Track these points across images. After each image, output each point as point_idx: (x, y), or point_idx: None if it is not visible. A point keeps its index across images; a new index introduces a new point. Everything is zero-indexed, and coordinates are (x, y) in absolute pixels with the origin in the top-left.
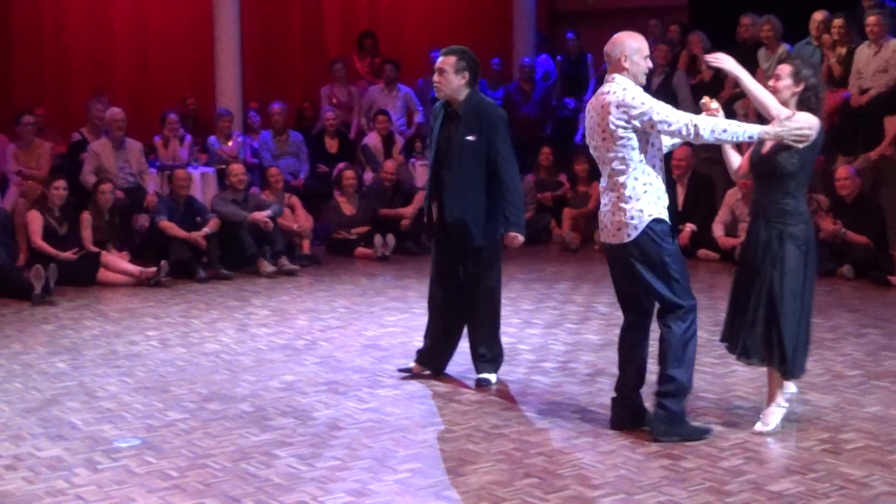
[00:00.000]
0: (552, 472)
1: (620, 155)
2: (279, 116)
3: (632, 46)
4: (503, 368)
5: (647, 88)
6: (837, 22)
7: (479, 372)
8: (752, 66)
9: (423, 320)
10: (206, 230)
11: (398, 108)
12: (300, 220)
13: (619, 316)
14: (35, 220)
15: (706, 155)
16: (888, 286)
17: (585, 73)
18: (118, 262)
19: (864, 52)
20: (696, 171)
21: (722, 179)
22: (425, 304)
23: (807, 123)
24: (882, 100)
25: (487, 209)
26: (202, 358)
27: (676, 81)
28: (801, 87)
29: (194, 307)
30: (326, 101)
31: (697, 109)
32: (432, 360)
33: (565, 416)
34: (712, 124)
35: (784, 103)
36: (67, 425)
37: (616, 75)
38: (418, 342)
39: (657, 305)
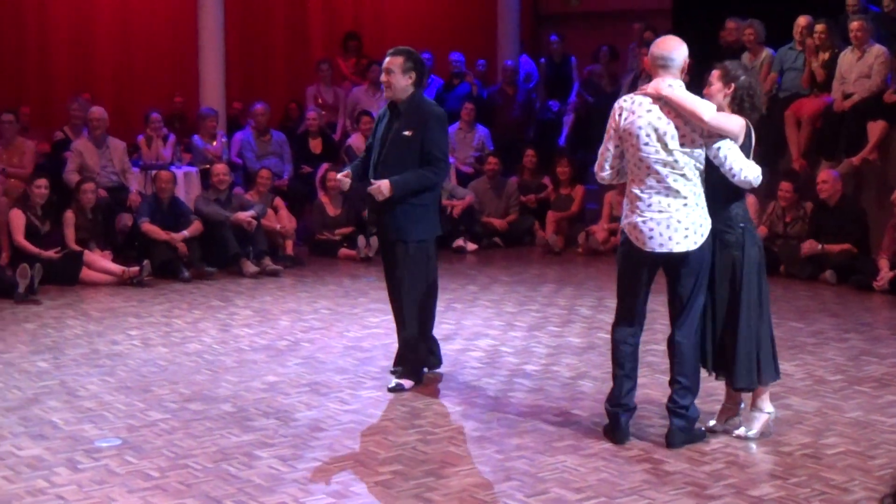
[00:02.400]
0: (533, 475)
1: (693, 161)
2: (262, 117)
3: (687, 53)
4: (484, 370)
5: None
6: (820, 27)
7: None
8: None
9: None
10: (185, 234)
11: (382, 108)
12: (283, 220)
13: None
14: (17, 218)
15: None
16: (870, 291)
17: (569, 75)
18: (101, 261)
19: (847, 57)
20: None
21: None
22: None
23: (737, 126)
24: (865, 105)
25: (422, 204)
26: (184, 358)
27: None
28: (731, 88)
29: (176, 307)
30: (312, 101)
31: None
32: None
33: (547, 419)
34: (756, 172)
35: (719, 107)
36: (48, 424)
37: (679, 81)
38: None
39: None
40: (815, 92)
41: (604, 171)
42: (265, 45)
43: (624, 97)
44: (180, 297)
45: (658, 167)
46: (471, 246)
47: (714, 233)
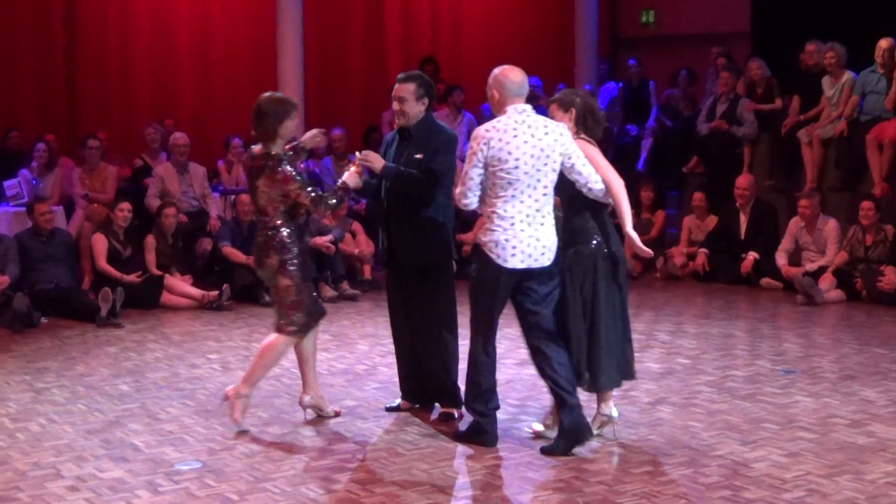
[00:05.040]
0: (612, 502)
1: (553, 179)
2: (340, 142)
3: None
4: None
5: (710, 115)
6: None
7: (443, 406)
8: (815, 92)
9: None
10: None
11: (462, 133)
12: (361, 245)
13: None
14: (100, 243)
15: (769, 183)
16: None
17: (647, 99)
18: (181, 285)
19: None
20: (759, 199)
21: (785, 208)
22: None
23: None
24: None
25: (436, 227)
26: (263, 382)
27: (741, 108)
28: (571, 113)
29: (256, 331)
30: (388, 126)
31: (765, 134)
32: (412, 393)
33: (625, 444)
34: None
35: (569, 132)
36: (130, 447)
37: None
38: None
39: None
40: None
41: (467, 199)
42: (343, 71)
43: (485, 127)
44: (259, 321)
45: (524, 187)
46: None
47: (570, 244)
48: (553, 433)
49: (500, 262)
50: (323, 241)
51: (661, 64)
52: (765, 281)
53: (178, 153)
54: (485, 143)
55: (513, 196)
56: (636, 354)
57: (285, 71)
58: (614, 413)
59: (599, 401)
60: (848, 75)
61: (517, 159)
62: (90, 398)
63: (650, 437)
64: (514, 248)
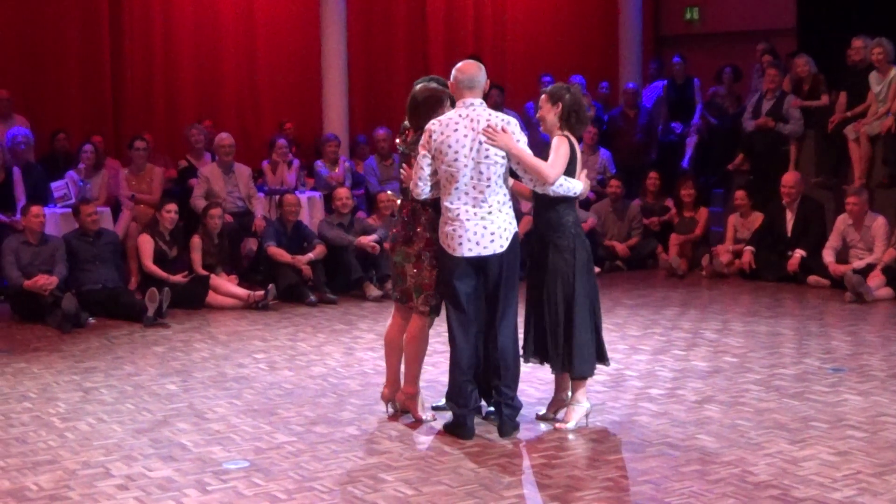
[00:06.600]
0: (660, 501)
1: (498, 174)
2: (384, 142)
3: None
4: (609, 394)
5: (756, 112)
6: None
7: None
8: (862, 89)
9: None
10: (310, 256)
11: None
12: None
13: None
14: (146, 243)
15: (816, 180)
16: None
17: (692, 97)
18: (227, 285)
19: None
20: (805, 197)
21: (833, 205)
22: None
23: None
24: None
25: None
26: (309, 381)
27: (787, 105)
28: (558, 108)
29: (301, 330)
30: None
31: (811, 131)
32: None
33: (673, 443)
34: (554, 181)
35: (552, 125)
36: (178, 446)
37: (480, 100)
38: (523, 368)
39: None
40: None
41: (419, 189)
42: (387, 70)
43: (433, 121)
44: (304, 321)
45: (467, 180)
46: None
47: (546, 237)
48: (557, 415)
49: (450, 251)
50: (368, 240)
51: (706, 61)
52: (812, 278)
53: (224, 153)
54: (429, 136)
55: (456, 188)
56: (681, 352)
57: (329, 71)
58: (587, 404)
59: (575, 391)
60: (895, 71)
61: (456, 152)
62: (138, 397)
63: (698, 435)
64: (460, 236)
